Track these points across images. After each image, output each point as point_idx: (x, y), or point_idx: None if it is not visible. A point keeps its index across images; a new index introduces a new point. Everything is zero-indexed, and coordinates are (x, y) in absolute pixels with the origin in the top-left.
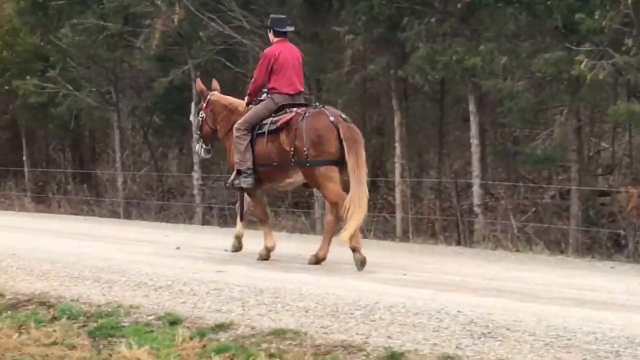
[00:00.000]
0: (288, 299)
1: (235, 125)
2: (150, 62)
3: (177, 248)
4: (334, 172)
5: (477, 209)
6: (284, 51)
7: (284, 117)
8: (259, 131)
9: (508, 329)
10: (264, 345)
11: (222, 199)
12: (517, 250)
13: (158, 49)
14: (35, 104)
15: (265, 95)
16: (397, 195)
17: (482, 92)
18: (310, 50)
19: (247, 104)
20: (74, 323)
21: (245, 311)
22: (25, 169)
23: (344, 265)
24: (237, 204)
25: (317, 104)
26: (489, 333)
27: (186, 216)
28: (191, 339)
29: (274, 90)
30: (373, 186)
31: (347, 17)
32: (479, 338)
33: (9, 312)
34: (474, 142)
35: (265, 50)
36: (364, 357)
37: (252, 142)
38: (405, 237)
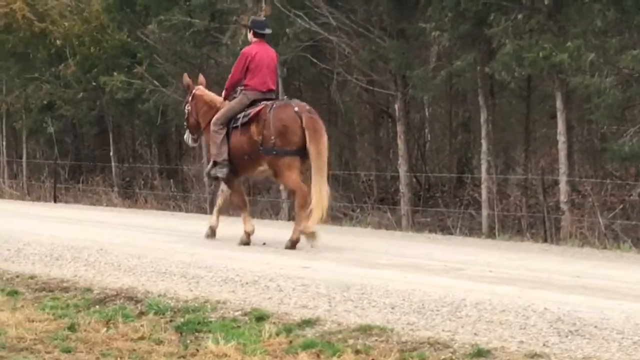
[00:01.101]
0: (374, 295)
1: (212, 120)
2: (236, 58)
3: (264, 244)
4: (295, 162)
5: (563, 206)
6: (260, 51)
7: (254, 109)
8: (234, 125)
9: (595, 327)
10: (350, 342)
11: None
12: (605, 248)
13: (244, 45)
14: (122, 100)
15: (239, 91)
16: (484, 191)
17: (569, 88)
18: (396, 46)
19: (224, 99)
20: (161, 318)
21: (331, 307)
22: (113, 165)
23: (430, 262)
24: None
25: (285, 97)
26: (576, 331)
27: (272, 212)
28: (277, 334)
29: (248, 87)
30: (459, 182)
31: (433, 13)
32: (566, 336)
33: (97, 306)
34: (561, 138)
35: (243, 49)
36: (450, 354)
37: (227, 135)
38: (491, 234)
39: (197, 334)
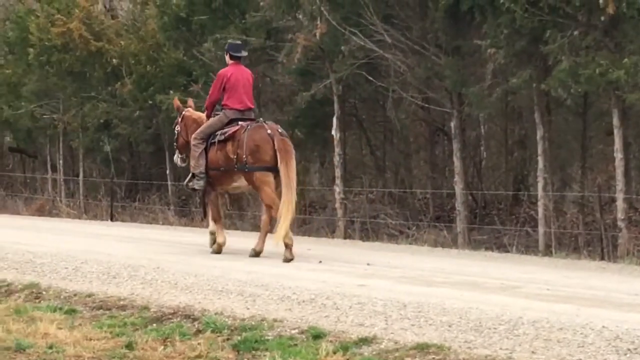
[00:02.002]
0: (431, 313)
1: (193, 135)
2: (292, 76)
3: (320, 262)
4: (269, 177)
5: (621, 224)
6: (236, 72)
7: (231, 130)
8: (212, 140)
9: None
10: None
11: (363, 213)
12: None
13: (300, 63)
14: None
15: (221, 110)
16: (540, 209)
17: (625, 105)
18: (452, 64)
19: (207, 117)
20: (219, 336)
21: (388, 325)
22: (169, 183)
23: (486, 280)
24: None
25: (260, 119)
26: (635, 349)
27: (328, 230)
28: (334, 353)
29: (226, 106)
30: (515, 200)
31: (489, 30)
32: (625, 354)
33: (154, 324)
34: (618, 155)
35: (219, 71)
36: None
37: (206, 150)
38: (548, 252)
39: (254, 352)
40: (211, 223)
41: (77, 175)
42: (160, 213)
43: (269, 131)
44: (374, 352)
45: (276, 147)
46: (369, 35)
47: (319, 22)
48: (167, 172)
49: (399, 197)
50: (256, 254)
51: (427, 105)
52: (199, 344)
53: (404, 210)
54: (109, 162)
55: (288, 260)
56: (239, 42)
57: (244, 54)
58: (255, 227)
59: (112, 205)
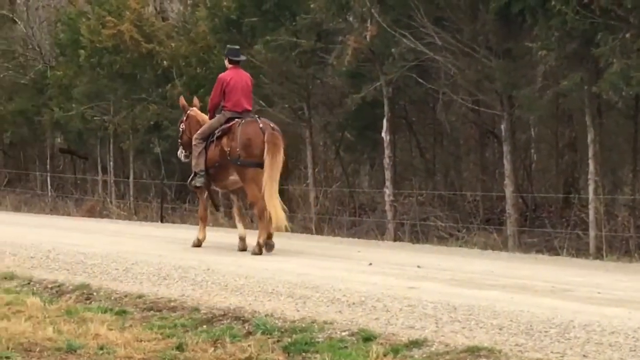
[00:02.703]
0: (482, 316)
1: (194, 135)
2: (342, 78)
3: (370, 264)
4: (259, 175)
5: None
6: (235, 76)
7: (226, 125)
8: (211, 139)
9: None
10: None
11: (413, 215)
12: None
13: (350, 66)
14: None
15: (220, 111)
16: (591, 212)
17: None
18: (502, 66)
19: (210, 119)
20: (269, 338)
21: (438, 328)
22: None
23: (537, 283)
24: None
25: (255, 116)
26: None
27: (378, 232)
28: (385, 355)
29: (225, 108)
30: (566, 203)
31: (540, 32)
32: None
33: (204, 326)
34: None
35: (219, 75)
36: None
37: (206, 149)
38: (599, 255)
39: (304, 354)
40: (239, 226)
41: (128, 177)
42: (210, 215)
43: (260, 125)
44: (425, 355)
45: (265, 140)
46: (420, 38)
47: (369, 25)
48: None
49: (449, 200)
50: (259, 250)
51: (477, 108)
52: (249, 345)
53: (454, 213)
54: (159, 163)
55: (270, 249)
56: (237, 47)
57: (242, 58)
58: (306, 229)
59: (162, 207)
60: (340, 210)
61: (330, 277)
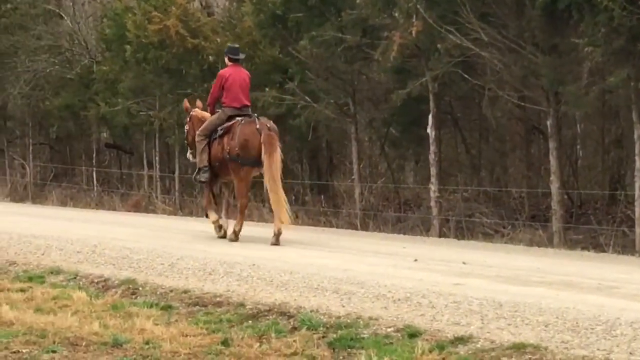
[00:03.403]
0: (527, 313)
1: (197, 132)
2: (388, 74)
3: (415, 260)
4: (250, 174)
5: None
6: (234, 73)
7: (228, 124)
8: (213, 137)
9: None
10: (504, 359)
11: (459, 211)
12: None
13: (395, 61)
14: (273, 115)
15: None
16: (637, 209)
17: None
18: (548, 62)
19: (210, 114)
20: (314, 334)
21: (484, 324)
22: (264, 180)
23: (582, 280)
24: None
25: (255, 115)
26: None
27: (423, 228)
28: (430, 351)
29: (225, 104)
30: (612, 199)
31: (586, 28)
32: None
33: (250, 321)
34: None
35: (220, 71)
36: None
37: (209, 145)
38: None
39: (349, 350)
40: (219, 213)
41: (173, 172)
42: (256, 210)
43: (258, 126)
44: (470, 352)
45: (262, 141)
46: (465, 34)
47: (415, 20)
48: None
49: (494, 196)
50: (236, 236)
51: (523, 104)
52: (294, 341)
53: (499, 209)
54: None
55: (275, 242)
56: (236, 45)
57: (242, 56)
58: (352, 225)
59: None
60: (386, 206)
61: (375, 273)
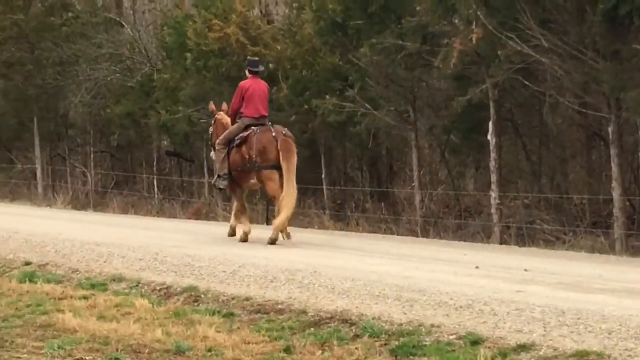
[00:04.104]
0: (590, 320)
1: (217, 141)
2: (448, 81)
3: (476, 267)
4: (274, 174)
5: None
6: (253, 85)
7: (245, 133)
8: (232, 145)
9: None
10: None
11: (519, 218)
12: None
13: (455, 68)
14: (334, 123)
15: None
16: None
17: None
18: (609, 68)
19: (231, 123)
20: (376, 341)
21: (546, 332)
22: (324, 187)
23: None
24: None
25: (269, 123)
26: None
27: (483, 235)
28: (493, 359)
29: (243, 114)
30: None
31: None
32: None
33: (312, 329)
34: None
35: (240, 83)
36: None
37: (228, 153)
38: None
39: (411, 357)
40: (233, 218)
41: None
42: (316, 217)
43: (273, 134)
44: (533, 359)
45: (279, 147)
46: (526, 40)
47: (475, 27)
48: (323, 176)
49: (555, 203)
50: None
51: (583, 110)
52: (356, 348)
53: (560, 216)
54: None
55: (272, 242)
56: (256, 58)
57: (261, 68)
58: (412, 232)
59: (268, 209)
60: (446, 213)
61: (436, 280)
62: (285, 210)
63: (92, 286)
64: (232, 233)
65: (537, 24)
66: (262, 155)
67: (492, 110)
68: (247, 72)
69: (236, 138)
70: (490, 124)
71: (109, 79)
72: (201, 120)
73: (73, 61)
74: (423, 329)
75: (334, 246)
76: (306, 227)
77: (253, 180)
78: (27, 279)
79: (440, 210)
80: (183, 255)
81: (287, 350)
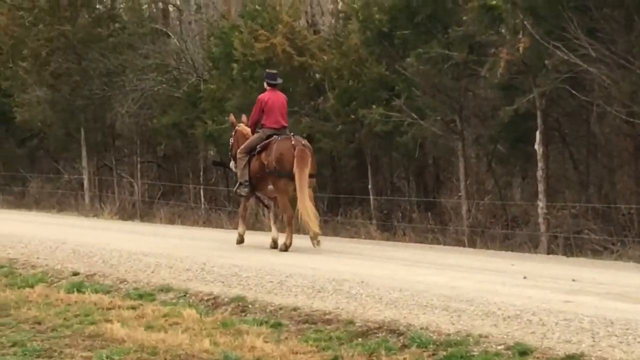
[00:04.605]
0: (639, 330)
1: (238, 150)
2: (495, 90)
3: (524, 277)
4: (288, 186)
5: None
6: (272, 97)
7: (265, 142)
8: (252, 154)
9: None
10: None
11: (567, 228)
12: None
13: (502, 78)
14: (380, 133)
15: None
16: None
17: None
18: None
19: (252, 133)
20: (424, 351)
21: (595, 342)
22: (371, 197)
23: None
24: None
25: (291, 133)
26: None
27: (531, 245)
28: None
29: (264, 125)
30: None
31: None
32: None
33: (360, 339)
34: None
35: (259, 96)
36: None
37: (249, 162)
38: None
39: None
40: (274, 229)
41: None
42: (362, 227)
43: (292, 142)
44: None
45: (295, 155)
46: (573, 49)
47: (521, 37)
48: (369, 186)
49: (603, 212)
50: (286, 248)
51: (631, 120)
52: (404, 359)
53: (608, 226)
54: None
55: (316, 246)
56: (274, 71)
57: (279, 81)
58: (459, 242)
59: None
60: (493, 222)
61: (484, 290)
62: (309, 220)
63: (140, 296)
64: (274, 245)
65: (584, 33)
66: (280, 162)
67: (539, 120)
68: (265, 84)
69: (257, 147)
70: (538, 133)
71: (155, 89)
72: None
73: (120, 72)
74: (471, 339)
75: (381, 256)
76: (353, 237)
77: (271, 187)
78: (75, 289)
79: (487, 220)
80: (230, 266)
81: None
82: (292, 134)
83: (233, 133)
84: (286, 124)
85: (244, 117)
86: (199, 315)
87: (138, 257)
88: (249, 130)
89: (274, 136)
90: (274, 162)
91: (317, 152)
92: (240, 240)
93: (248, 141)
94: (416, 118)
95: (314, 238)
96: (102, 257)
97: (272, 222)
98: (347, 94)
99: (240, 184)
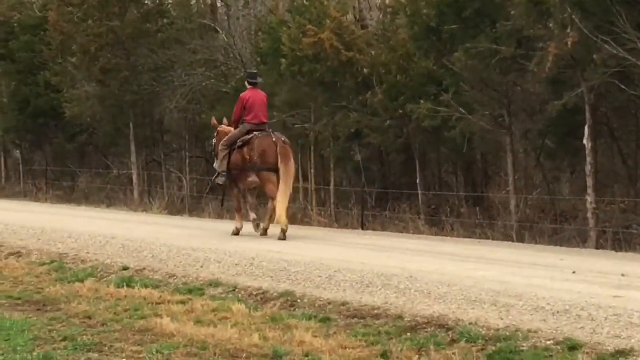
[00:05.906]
0: None
1: (221, 142)
2: (543, 85)
3: (574, 272)
4: (273, 176)
5: None
6: (253, 95)
7: (247, 137)
8: (233, 147)
9: None
10: None
11: (616, 223)
12: None
13: (551, 72)
14: (428, 128)
15: (242, 123)
16: None
17: None
18: None
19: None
20: (473, 346)
21: None
22: (419, 192)
23: None
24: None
25: (270, 130)
26: None
27: (579, 240)
28: None
29: (246, 121)
30: None
31: None
32: None
33: (409, 334)
34: None
35: (240, 95)
36: None
37: (230, 154)
38: None
39: None
40: (252, 214)
41: (328, 184)
42: (411, 222)
43: (274, 139)
44: None
45: (278, 152)
46: (622, 44)
47: (570, 31)
48: (418, 181)
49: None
50: (265, 232)
51: None
52: (453, 354)
53: None
54: (360, 171)
55: (283, 238)
56: (255, 71)
57: (260, 80)
58: (507, 237)
59: (363, 215)
60: (542, 217)
61: (533, 285)
62: (280, 208)
63: (190, 291)
64: (259, 230)
65: (633, 28)
66: (263, 158)
67: (587, 115)
68: (246, 83)
69: (238, 141)
70: (586, 128)
71: (204, 84)
72: (296, 126)
73: (168, 67)
74: (520, 335)
75: (429, 251)
76: (401, 232)
77: (251, 179)
78: (124, 283)
79: (536, 215)
80: (279, 260)
81: (384, 355)
82: (271, 130)
83: (215, 134)
84: (266, 120)
85: (224, 120)
86: (248, 310)
87: (187, 252)
88: (230, 129)
89: (255, 132)
90: (257, 157)
91: (365, 147)
92: (237, 233)
93: (229, 135)
94: (464, 113)
95: (284, 231)
96: (152, 252)
97: (249, 210)
98: (395, 89)
99: (219, 174)
